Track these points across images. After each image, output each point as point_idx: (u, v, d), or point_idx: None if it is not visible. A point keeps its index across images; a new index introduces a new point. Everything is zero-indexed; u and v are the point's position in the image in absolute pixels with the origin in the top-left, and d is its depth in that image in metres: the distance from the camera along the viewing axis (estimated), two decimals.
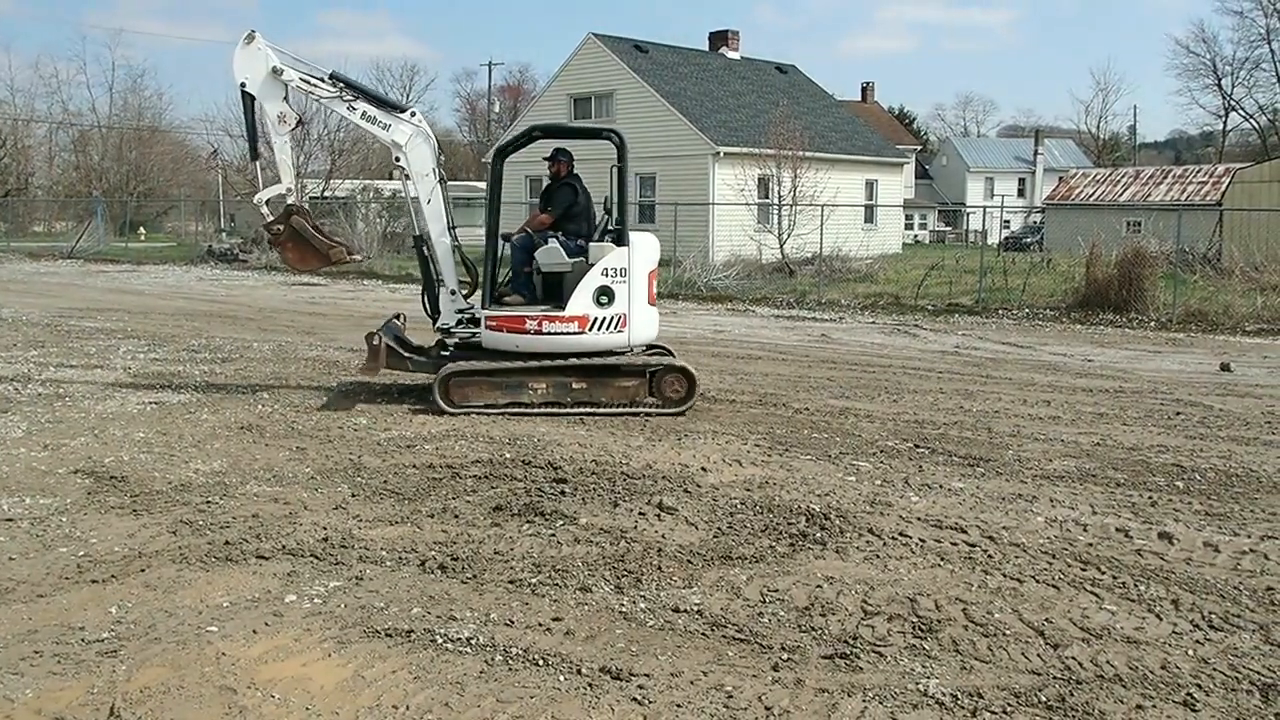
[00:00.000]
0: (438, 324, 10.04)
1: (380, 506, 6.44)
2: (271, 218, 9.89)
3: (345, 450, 7.85)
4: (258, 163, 10.29)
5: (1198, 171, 44.89)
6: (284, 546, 5.64)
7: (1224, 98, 65.18)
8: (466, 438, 8.34)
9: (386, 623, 4.65)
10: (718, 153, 31.62)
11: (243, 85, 9.55)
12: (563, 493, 6.75)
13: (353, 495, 6.67)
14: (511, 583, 5.17)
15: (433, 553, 5.56)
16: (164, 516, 6.16)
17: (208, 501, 6.46)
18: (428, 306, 10.19)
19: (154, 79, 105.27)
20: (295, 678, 4.14)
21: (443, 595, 5.00)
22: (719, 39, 41.18)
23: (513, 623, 4.68)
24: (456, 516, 6.23)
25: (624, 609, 4.86)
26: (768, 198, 30.41)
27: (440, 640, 4.47)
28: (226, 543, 5.68)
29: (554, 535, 5.91)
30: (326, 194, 40.09)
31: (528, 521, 6.16)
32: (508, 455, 7.74)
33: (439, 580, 5.20)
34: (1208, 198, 38.51)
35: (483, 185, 50.25)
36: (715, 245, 28.72)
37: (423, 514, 6.27)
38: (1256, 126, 65.16)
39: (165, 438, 8.19)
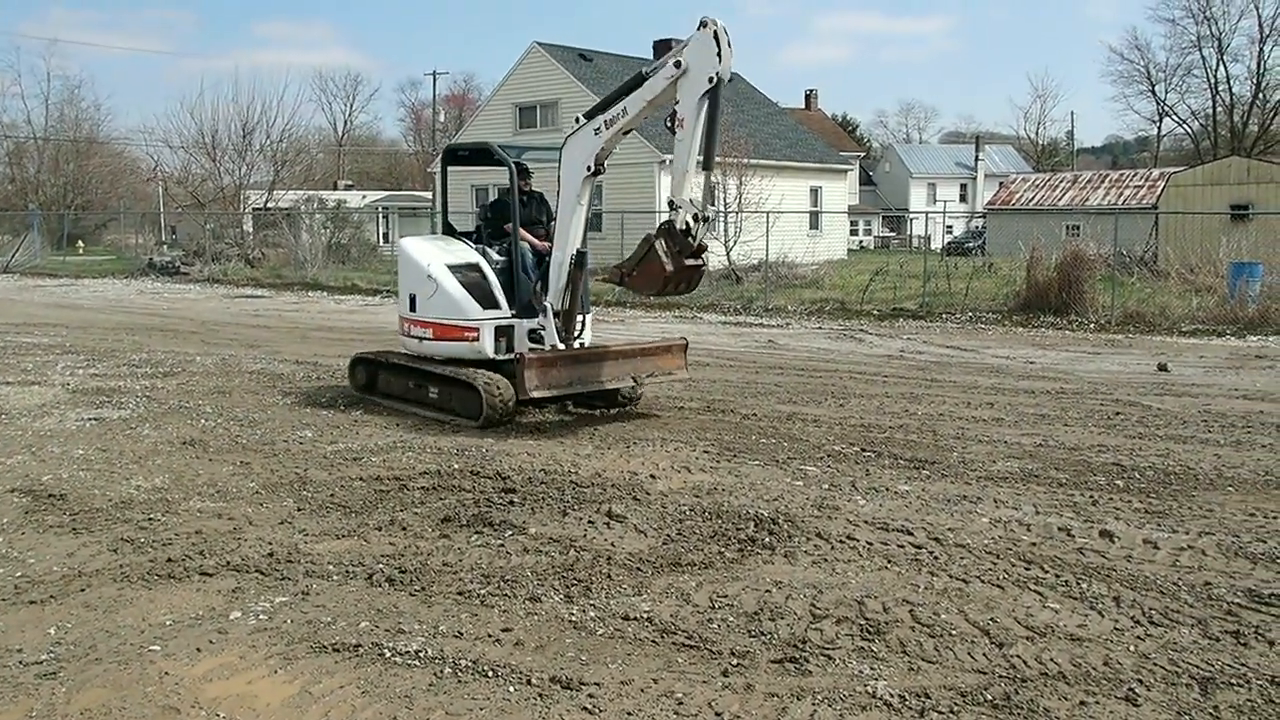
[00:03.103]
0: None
1: (327, 520, 6.36)
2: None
3: (291, 464, 7.75)
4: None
5: (1134, 176, 45.81)
6: (228, 563, 5.55)
7: (1158, 103, 66.58)
8: (414, 449, 8.28)
9: (334, 637, 4.60)
10: (663, 160, 31.68)
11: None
12: (511, 502, 6.72)
13: (299, 509, 6.59)
14: (460, 594, 5.13)
15: (380, 566, 5.51)
16: (104, 534, 6.04)
17: (149, 518, 6.34)
18: (563, 331, 9.34)
19: (91, 90, 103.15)
20: (240, 695, 4.07)
21: (391, 608, 4.95)
22: (663, 47, 41.12)
23: (462, 634, 4.65)
24: (404, 529, 6.18)
25: (574, 618, 4.85)
26: (713, 205, 30.53)
27: (388, 654, 4.43)
28: (169, 560, 5.58)
29: (503, 545, 5.88)
30: (269, 205, 39.59)
31: (476, 532, 6.13)
32: (456, 466, 7.70)
33: (387, 593, 5.16)
34: (1144, 201, 39.30)
35: (429, 195, 50.04)
36: None
37: (370, 527, 6.21)
38: (1189, 131, 66.65)
39: (105, 454, 8.03)
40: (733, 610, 4.94)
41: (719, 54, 8.03)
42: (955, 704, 4.00)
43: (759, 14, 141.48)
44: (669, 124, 8.30)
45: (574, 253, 9.14)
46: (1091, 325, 18.35)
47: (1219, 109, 62.42)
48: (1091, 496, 6.93)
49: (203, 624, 4.76)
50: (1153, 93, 66.27)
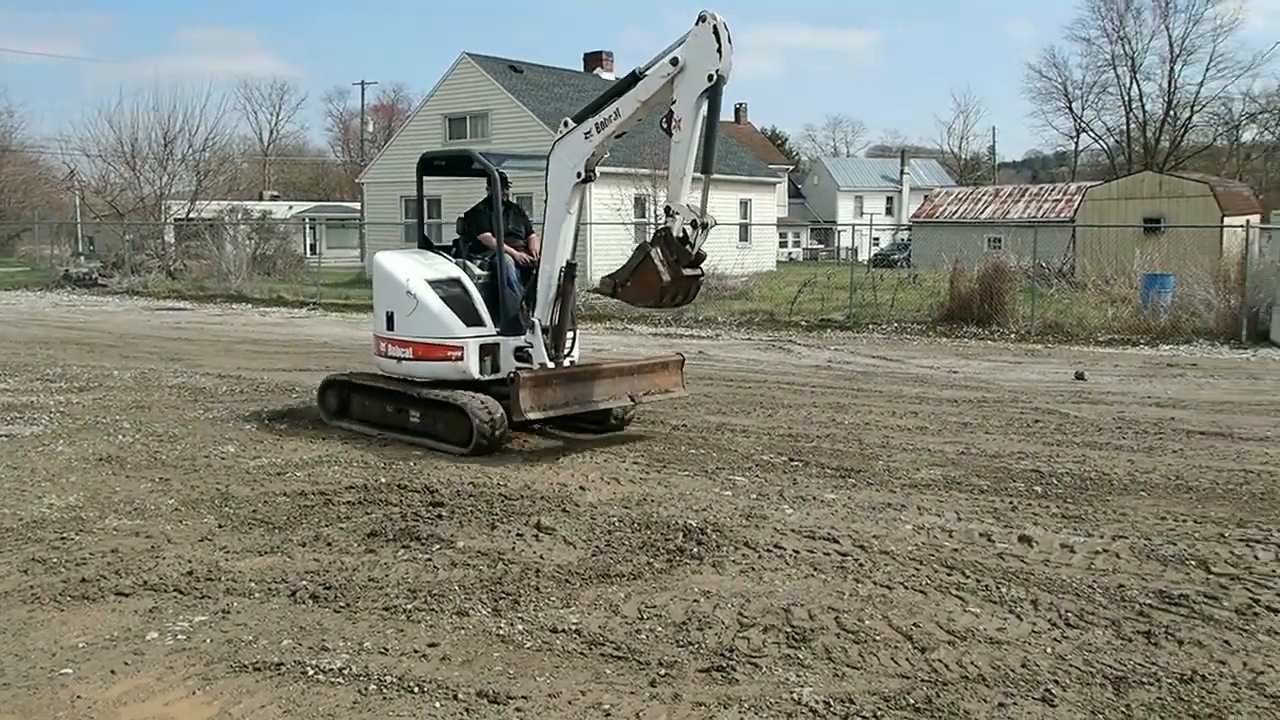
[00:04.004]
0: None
1: (249, 537, 6.25)
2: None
3: (212, 480, 7.60)
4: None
5: (1052, 190, 47.05)
6: (145, 582, 5.42)
7: (1075, 120, 68.47)
8: (340, 463, 8.17)
9: (254, 656, 4.51)
10: (587, 176, 31.72)
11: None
12: (439, 516, 6.67)
13: (219, 526, 6.46)
14: (386, 610, 5.07)
15: (304, 582, 5.42)
16: (14, 555, 5.86)
17: (62, 537, 6.17)
18: (552, 348, 8.79)
19: (3, 96, 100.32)
20: (156, 718, 3.98)
21: (314, 625, 4.88)
22: (594, 60, 41.47)
23: (387, 650, 4.59)
24: (329, 544, 6.09)
25: (501, 631, 4.82)
26: (644, 217, 30.66)
27: (311, 672, 4.36)
28: (83, 580, 5.43)
29: (430, 560, 5.83)
30: (192, 215, 38.83)
31: (403, 547, 6.06)
32: (383, 480, 7.61)
33: (310, 610, 5.08)
34: (1062, 214, 40.36)
35: (356, 206, 49.48)
36: (593, 265, 28.82)
37: (294, 543, 6.11)
38: (1105, 147, 68.58)
39: (16, 472, 7.80)
40: (661, 620, 4.96)
41: (719, 50, 7.58)
42: (879, 709, 4.06)
43: (686, 25, 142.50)
44: (665, 125, 7.84)
45: (563, 265, 8.64)
46: (1012, 335, 18.76)
47: (1133, 126, 64.40)
48: (1011, 502, 7.08)
49: (118, 645, 4.64)
50: (1070, 110, 68.21)
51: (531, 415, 8.24)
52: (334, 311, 24.70)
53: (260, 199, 54.86)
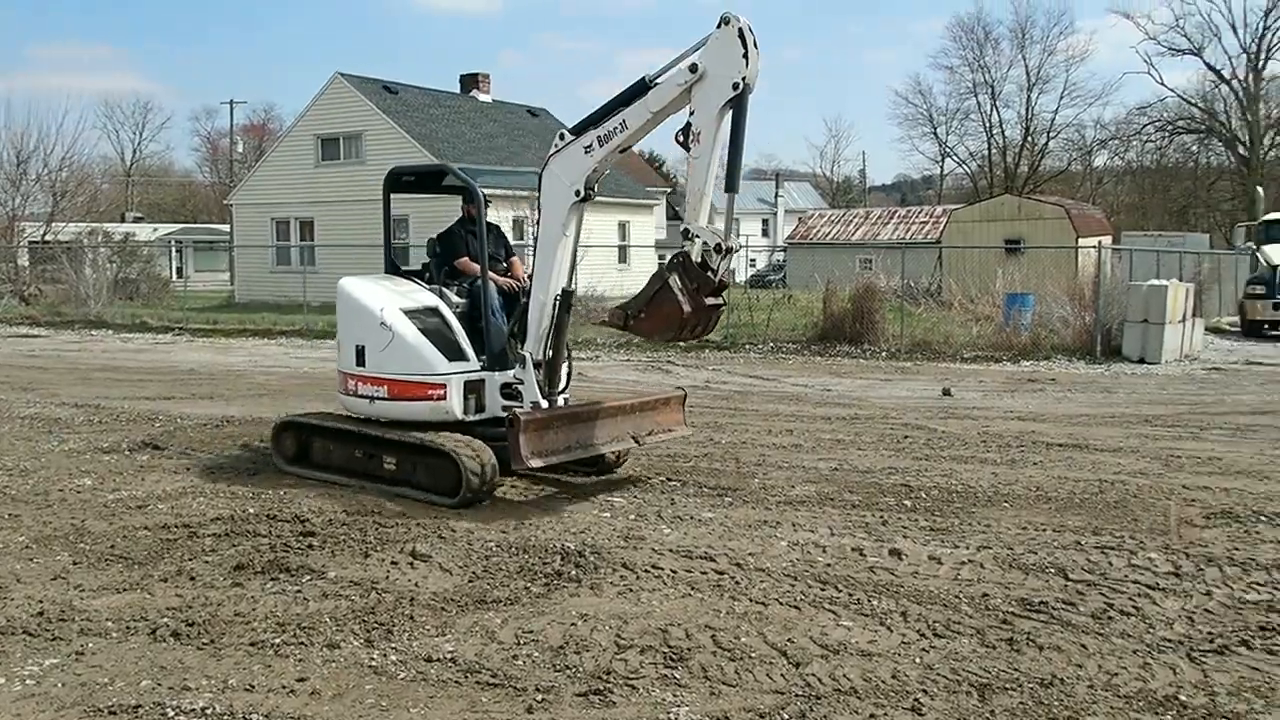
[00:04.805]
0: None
1: (106, 574, 5.97)
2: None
3: (67, 515, 7.25)
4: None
5: (920, 212, 48.66)
6: None
7: (940, 145, 70.96)
8: (206, 494, 7.89)
9: (110, 699, 4.31)
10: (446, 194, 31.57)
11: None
12: (310, 546, 6.49)
13: (74, 563, 6.16)
14: (253, 645, 4.91)
15: (165, 619, 5.21)
16: None
17: None
18: (545, 385, 7.98)
19: None
20: None
21: (176, 664, 4.68)
22: (470, 81, 41.22)
23: (253, 687, 4.44)
24: (193, 579, 5.87)
25: (374, 663, 4.71)
26: (522, 239, 30.58)
27: (172, 713, 4.18)
28: None
29: (300, 591, 5.67)
30: (48, 238, 37.12)
31: (272, 579, 5.88)
32: (251, 510, 7.37)
33: (172, 648, 4.88)
34: (929, 236, 41.73)
35: (226, 228, 48.07)
36: None
37: (155, 578, 5.87)
38: (968, 171, 71.20)
39: None
40: (538, 645, 4.92)
41: (745, 55, 6.85)
42: None
43: (562, 48, 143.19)
44: (681, 139, 7.15)
45: (558, 292, 7.83)
46: (883, 353, 19.28)
47: (994, 151, 67.03)
48: (882, 517, 7.25)
49: None
50: (935, 135, 70.66)
51: (534, 463, 7.39)
52: (201, 337, 23.91)
53: (123, 220, 52.80)
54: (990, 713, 4.21)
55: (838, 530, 6.91)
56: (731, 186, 7.13)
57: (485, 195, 8.64)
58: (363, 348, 8.26)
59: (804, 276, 36.36)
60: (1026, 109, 65.29)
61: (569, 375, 8.31)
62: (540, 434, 7.48)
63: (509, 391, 8.06)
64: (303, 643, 4.94)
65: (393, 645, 4.92)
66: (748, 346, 20.60)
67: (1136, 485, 8.20)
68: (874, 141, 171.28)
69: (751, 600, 5.53)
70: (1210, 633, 5.03)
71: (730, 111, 6.97)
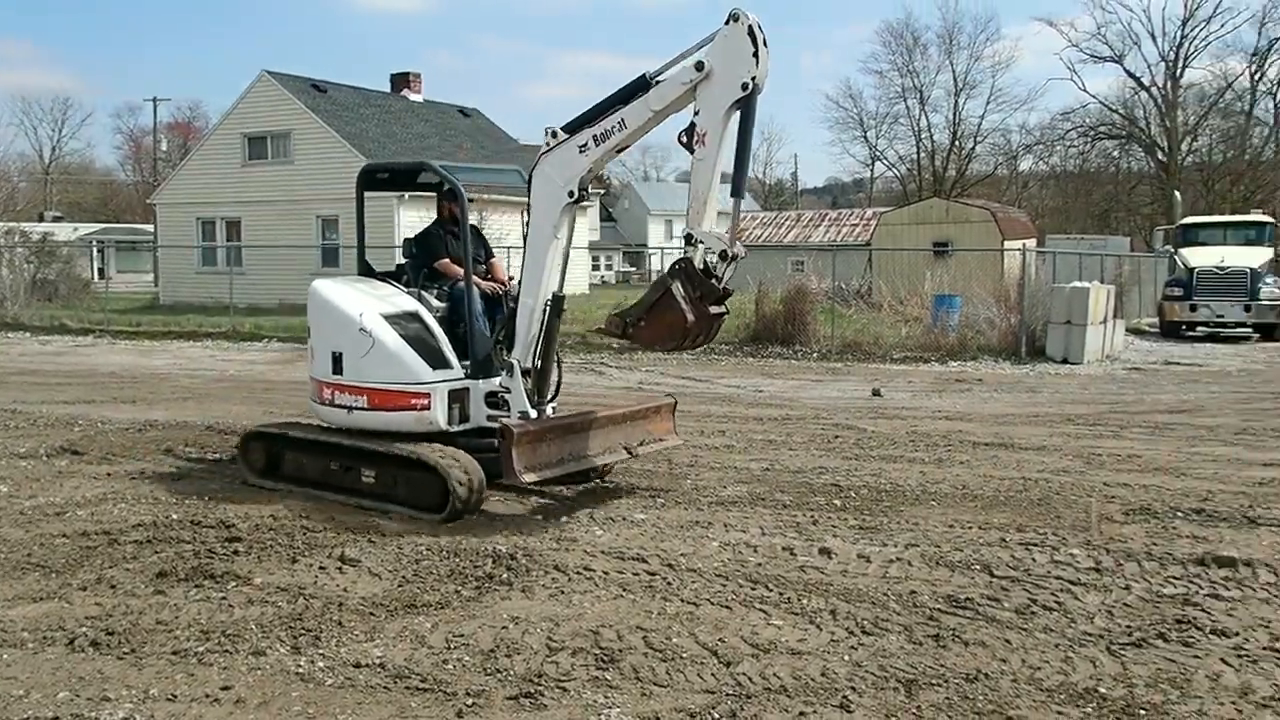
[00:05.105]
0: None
1: (21, 583, 5.80)
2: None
3: None
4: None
5: (850, 215, 49.22)
6: None
7: (870, 148, 71.88)
8: (128, 500, 7.70)
9: (25, 712, 4.19)
10: (402, 195, 31.21)
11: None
12: (236, 552, 6.37)
13: None
14: (175, 653, 4.80)
15: (84, 629, 5.08)
16: None
17: None
18: (535, 394, 7.69)
19: None
20: None
21: (95, 675, 4.57)
22: (401, 81, 40.79)
23: (175, 697, 4.35)
24: (114, 587, 5.73)
25: (301, 670, 4.64)
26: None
27: None
28: None
29: (225, 598, 5.56)
30: None
31: (196, 586, 5.76)
32: (174, 516, 7.22)
33: (90, 659, 4.75)
34: (859, 239, 42.20)
35: (149, 228, 47.02)
36: None
37: (73, 587, 5.72)
38: (898, 175, 72.18)
39: None
40: (469, 649, 4.88)
41: (755, 54, 6.60)
42: None
43: (495, 49, 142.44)
44: (684, 139, 6.87)
45: (549, 298, 7.55)
46: (814, 354, 19.48)
47: (923, 154, 68.11)
48: (812, 516, 7.33)
49: None
50: (865, 139, 71.52)
51: (528, 478, 7.04)
52: (124, 339, 23.35)
53: (41, 220, 51.34)
54: (917, 708, 4.28)
55: (769, 530, 6.97)
56: (738, 190, 6.93)
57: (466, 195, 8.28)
58: (340, 354, 7.84)
59: (736, 278, 36.52)
60: (954, 114, 66.42)
61: (558, 384, 8.06)
62: (534, 446, 7.17)
63: (493, 400, 7.76)
64: (227, 650, 4.85)
65: (320, 651, 4.85)
66: None
67: (1059, 483, 8.39)
68: (805, 145, 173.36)
69: (683, 601, 5.55)
70: (1129, 626, 5.16)
71: (738, 112, 6.76)
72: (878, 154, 71.82)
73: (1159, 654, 4.83)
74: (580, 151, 7.33)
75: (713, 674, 4.61)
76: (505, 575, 5.96)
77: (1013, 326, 19.44)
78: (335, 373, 7.89)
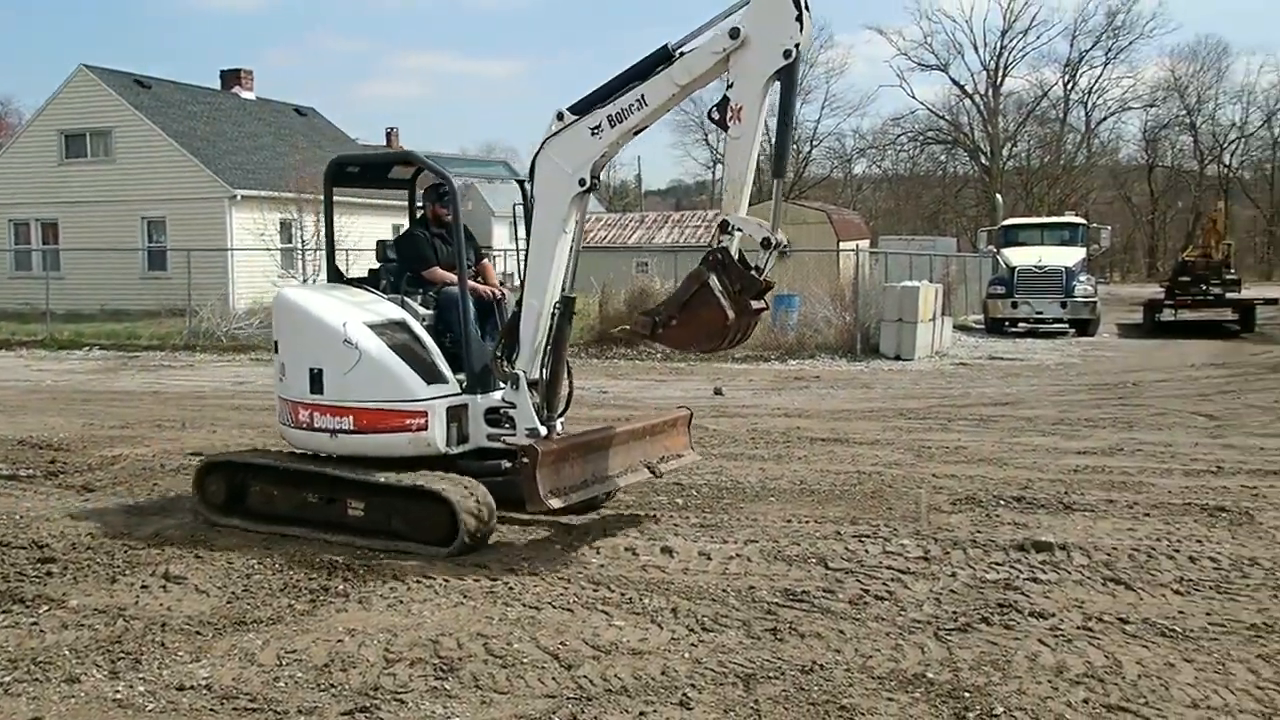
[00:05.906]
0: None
1: None
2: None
3: None
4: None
5: (694, 216, 49.88)
6: None
7: (712, 151, 73.11)
8: None
9: None
10: (234, 195, 30.09)
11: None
12: (49, 574, 6.01)
13: None
14: None
15: None
16: None
17: None
18: (545, 408, 6.96)
19: None
20: None
21: None
22: (231, 78, 39.27)
23: None
24: None
25: (119, 696, 4.40)
26: (290, 242, 29.45)
27: None
28: None
29: (36, 623, 5.23)
30: None
31: (3, 611, 5.41)
32: None
33: None
34: (703, 240, 42.82)
35: None
36: (236, 292, 27.28)
37: None
38: None
39: None
40: (301, 665, 4.72)
41: (799, 18, 5.83)
42: None
43: (334, 48, 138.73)
44: (716, 116, 6.13)
45: (559, 300, 6.89)
46: (658, 355, 19.67)
47: (762, 158, 69.71)
48: (655, 515, 7.39)
49: None
50: (706, 141, 72.70)
51: (554, 503, 6.33)
52: None
53: None
54: (755, 702, 4.35)
55: (611, 530, 6.99)
56: (779, 171, 6.47)
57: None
58: (319, 371, 6.93)
59: (581, 279, 36.63)
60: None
61: (569, 396, 7.37)
62: (557, 468, 6.45)
63: (494, 418, 7.02)
64: (38, 679, 4.56)
65: (140, 675, 4.61)
66: None
67: (891, 475, 8.70)
68: (649, 147, 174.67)
69: (525, 605, 5.51)
70: (955, 612, 5.38)
71: (777, 83, 6.03)
72: (720, 157, 73.14)
73: (982, 637, 5.04)
74: (593, 134, 6.50)
75: (554, 678, 4.58)
76: (341, 587, 5.80)
77: (848, 325, 20.06)
78: (314, 392, 6.97)
